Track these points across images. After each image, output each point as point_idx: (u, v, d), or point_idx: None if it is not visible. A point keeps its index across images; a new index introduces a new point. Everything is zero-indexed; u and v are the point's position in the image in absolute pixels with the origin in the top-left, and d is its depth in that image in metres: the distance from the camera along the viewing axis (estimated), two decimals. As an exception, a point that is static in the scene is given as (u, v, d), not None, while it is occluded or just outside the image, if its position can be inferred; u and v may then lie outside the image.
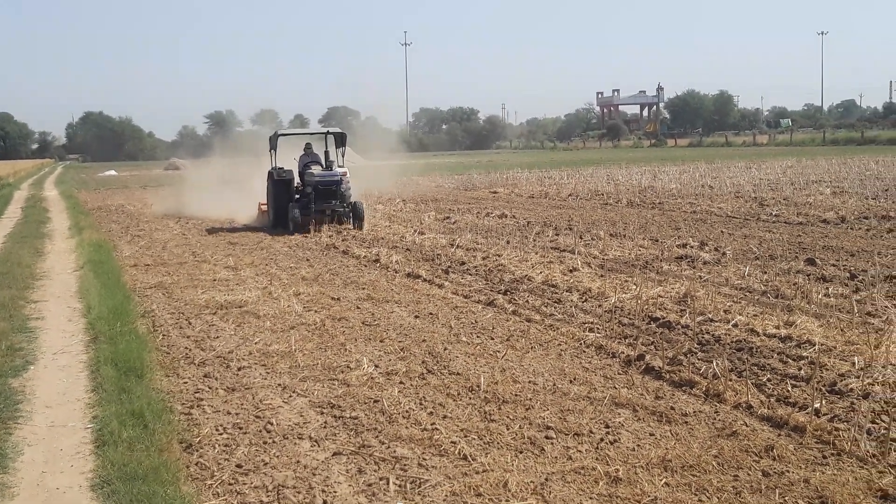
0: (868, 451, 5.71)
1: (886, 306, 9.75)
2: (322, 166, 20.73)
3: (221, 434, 6.45)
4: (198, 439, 6.33)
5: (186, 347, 9.15)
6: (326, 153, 21.07)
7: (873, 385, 6.90)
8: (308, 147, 21.99)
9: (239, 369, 8.23)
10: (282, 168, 21.18)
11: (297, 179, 21.21)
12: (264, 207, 22.37)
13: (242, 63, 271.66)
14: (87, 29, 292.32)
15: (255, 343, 9.18)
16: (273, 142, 21.80)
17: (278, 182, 21.02)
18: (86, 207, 31.09)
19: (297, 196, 20.94)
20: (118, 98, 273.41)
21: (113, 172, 67.96)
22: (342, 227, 19.97)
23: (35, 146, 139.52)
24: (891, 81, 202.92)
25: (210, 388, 7.67)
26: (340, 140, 21.92)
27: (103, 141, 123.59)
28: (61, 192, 43.24)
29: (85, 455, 6.22)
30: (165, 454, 5.92)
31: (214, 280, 13.37)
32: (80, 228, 22.21)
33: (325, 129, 23.44)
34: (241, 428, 6.57)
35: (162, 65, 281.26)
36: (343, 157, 21.75)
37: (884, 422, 6.11)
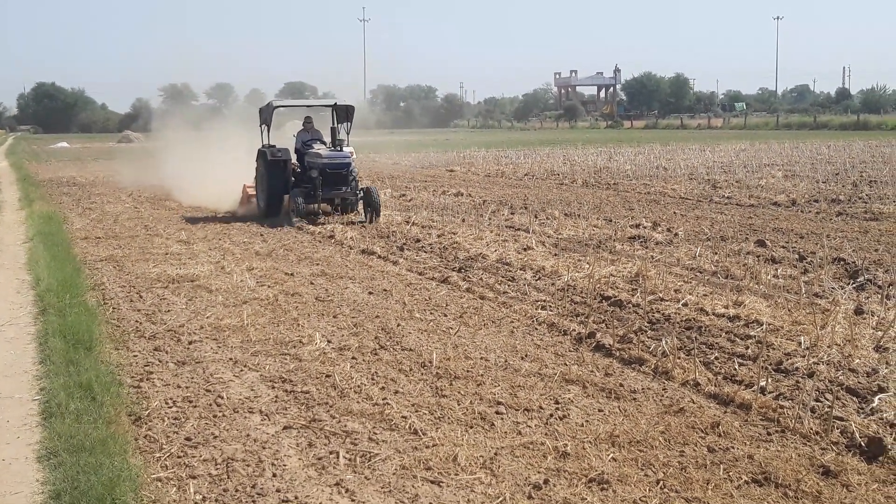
0: (811, 429, 5.83)
1: (833, 288, 9.92)
2: (327, 145, 17.80)
3: (171, 407, 6.41)
4: (147, 412, 6.29)
5: (137, 321, 9.07)
6: (333, 130, 18.03)
7: (818, 364, 7.03)
8: (308, 121, 18.71)
9: (190, 343, 8.19)
10: (275, 146, 17.84)
11: (293, 159, 17.95)
12: (251, 191, 18.88)
13: (198, 35, 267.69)
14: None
15: (207, 317, 9.12)
16: (266, 114, 18.36)
17: (272, 163, 17.44)
18: (36, 179, 30.58)
19: (294, 180, 17.71)
20: (71, 69, 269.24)
21: (65, 144, 66.82)
22: (347, 216, 17.38)
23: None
24: (844, 67, 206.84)
25: (160, 361, 7.62)
26: (346, 115, 18.47)
27: (55, 112, 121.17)
28: (11, 163, 42.44)
29: (31, 427, 6.16)
30: (113, 426, 5.87)
31: (166, 254, 13.26)
32: (30, 200, 21.88)
33: (331, 101, 19.34)
34: (190, 401, 6.54)
35: (116, 36, 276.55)
36: (349, 134, 18.33)
37: (827, 400, 6.23)
